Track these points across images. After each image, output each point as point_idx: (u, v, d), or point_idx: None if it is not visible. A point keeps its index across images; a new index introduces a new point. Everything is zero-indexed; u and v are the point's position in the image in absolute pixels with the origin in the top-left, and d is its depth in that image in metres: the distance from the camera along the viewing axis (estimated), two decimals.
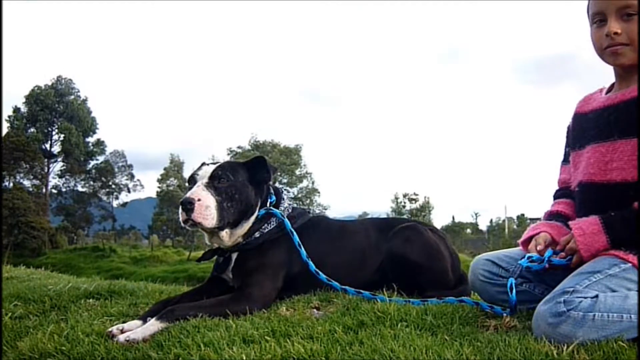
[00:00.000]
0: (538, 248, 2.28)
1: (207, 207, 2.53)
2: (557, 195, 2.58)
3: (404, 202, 50.70)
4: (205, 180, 2.61)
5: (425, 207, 50.57)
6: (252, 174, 2.76)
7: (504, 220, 57.67)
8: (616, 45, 2.13)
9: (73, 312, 2.72)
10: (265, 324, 2.19)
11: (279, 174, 49.53)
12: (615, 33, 2.11)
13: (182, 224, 2.57)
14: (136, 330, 2.23)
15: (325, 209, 53.54)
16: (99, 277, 4.74)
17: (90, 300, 3.02)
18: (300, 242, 2.70)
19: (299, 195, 51.54)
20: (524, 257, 2.24)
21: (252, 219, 2.75)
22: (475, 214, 65.68)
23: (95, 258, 40.32)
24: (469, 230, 62.98)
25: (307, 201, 51.68)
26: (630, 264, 2.01)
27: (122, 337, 2.16)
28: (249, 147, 50.35)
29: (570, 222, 2.18)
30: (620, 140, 2.14)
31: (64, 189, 56.54)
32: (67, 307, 2.87)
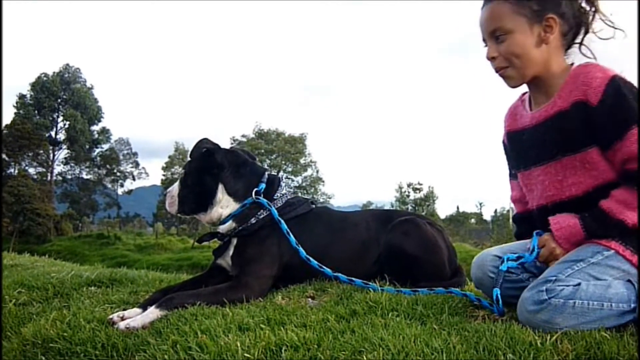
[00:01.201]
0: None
1: (172, 197, 2.98)
2: (519, 232, 2.60)
3: (408, 192, 50.62)
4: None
5: (429, 197, 50.49)
6: (202, 160, 2.91)
7: (508, 211, 57.34)
8: (500, 69, 2.20)
9: (75, 300, 2.78)
10: (261, 312, 2.24)
11: (283, 162, 49.55)
12: (492, 58, 2.19)
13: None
14: (136, 317, 2.28)
15: (330, 198, 53.54)
16: (103, 265, 4.79)
17: (92, 288, 3.08)
18: (288, 230, 2.75)
19: (304, 184, 51.49)
20: (503, 262, 2.28)
21: (219, 202, 2.88)
22: (480, 204, 65.53)
23: (100, 245, 40.44)
24: (473, 220, 62.87)
25: (312, 190, 51.63)
26: (613, 251, 2.06)
27: (122, 324, 2.21)
28: (253, 136, 50.29)
29: (549, 218, 2.22)
30: (565, 157, 2.18)
31: (69, 176, 56.71)
32: (69, 294, 2.93)
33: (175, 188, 2.99)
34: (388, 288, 2.55)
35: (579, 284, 1.96)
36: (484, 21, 2.22)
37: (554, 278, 1.99)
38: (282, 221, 2.77)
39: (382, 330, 1.93)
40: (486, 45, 2.25)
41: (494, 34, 2.18)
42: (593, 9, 2.25)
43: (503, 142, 2.57)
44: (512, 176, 2.58)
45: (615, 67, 2.14)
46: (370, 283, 2.62)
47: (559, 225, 2.15)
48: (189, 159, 2.98)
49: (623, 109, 2.02)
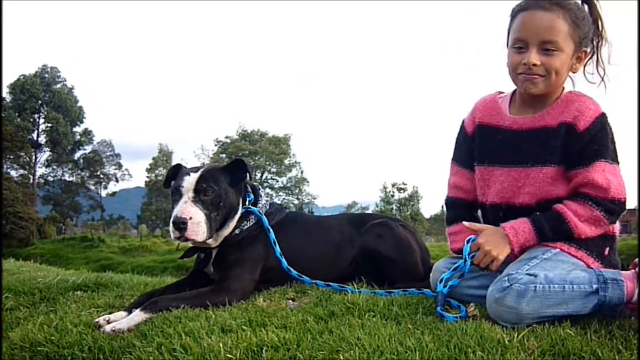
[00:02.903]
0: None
1: (198, 224, 2.59)
2: (454, 214, 2.73)
3: (393, 192, 50.83)
4: (191, 194, 2.65)
5: (414, 197, 50.69)
6: (232, 177, 2.81)
7: None
8: (533, 74, 2.29)
9: (62, 304, 2.81)
10: (243, 314, 2.31)
11: (267, 163, 49.50)
12: (534, 64, 2.27)
13: (174, 240, 2.66)
14: (122, 320, 2.33)
15: (314, 199, 53.64)
16: (87, 268, 4.81)
17: (78, 292, 3.11)
18: (275, 240, 2.82)
19: (288, 185, 51.51)
20: (441, 281, 2.41)
21: (236, 218, 2.83)
22: None
23: (84, 248, 40.00)
24: None
25: (296, 190, 51.67)
26: (558, 249, 2.26)
27: (108, 327, 2.26)
28: (237, 137, 50.21)
29: (502, 224, 2.37)
30: (532, 167, 2.37)
31: (51, 179, 56.23)
32: (56, 299, 2.96)
33: (199, 213, 2.62)
34: (364, 290, 2.63)
35: (536, 275, 2.10)
36: (540, 28, 2.27)
37: (514, 272, 2.13)
38: (271, 231, 2.84)
39: (358, 330, 2.01)
40: (521, 47, 2.32)
41: (544, 44, 2.27)
42: (594, 51, 2.44)
43: (463, 126, 2.69)
44: (458, 162, 2.71)
45: None
46: (346, 286, 2.71)
47: (514, 231, 2.31)
48: (222, 176, 2.77)
49: (600, 142, 2.25)
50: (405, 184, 50.66)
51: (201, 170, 2.75)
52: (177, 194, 2.69)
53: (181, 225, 2.55)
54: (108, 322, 2.35)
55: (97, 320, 2.36)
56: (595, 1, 2.39)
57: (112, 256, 36.23)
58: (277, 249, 2.82)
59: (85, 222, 60.06)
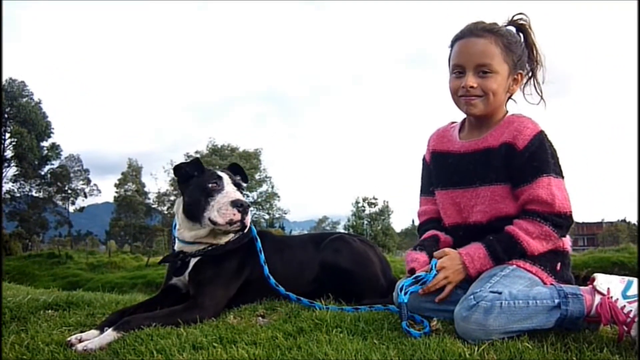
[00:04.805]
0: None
1: (250, 212, 2.85)
2: (424, 229, 2.82)
3: (364, 207, 51.01)
4: (235, 187, 2.93)
5: (385, 211, 50.94)
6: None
7: None
8: (470, 96, 2.45)
9: (33, 323, 2.81)
10: (214, 332, 2.35)
11: (237, 177, 49.32)
12: (472, 87, 2.43)
13: (227, 225, 2.77)
14: (93, 339, 2.35)
15: (285, 214, 53.59)
16: (54, 285, 4.79)
17: (49, 311, 3.11)
18: (261, 248, 2.98)
19: (259, 200, 51.34)
20: (401, 291, 2.42)
21: None
22: None
23: (51, 265, 39.21)
24: None
25: (267, 205, 51.53)
26: (514, 266, 2.38)
27: (80, 346, 2.28)
28: (207, 152, 49.95)
29: (459, 250, 2.47)
30: (481, 187, 2.50)
31: (17, 194, 55.11)
32: (26, 318, 2.95)
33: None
34: (332, 306, 2.71)
35: (501, 293, 2.20)
36: (474, 53, 2.45)
37: (478, 290, 2.22)
38: (259, 239, 3.00)
39: (326, 346, 2.08)
40: (460, 72, 2.48)
41: (480, 67, 2.44)
42: (530, 74, 2.62)
43: (424, 159, 2.86)
44: (424, 192, 2.88)
45: None
46: (315, 302, 2.79)
47: (470, 258, 2.43)
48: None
49: (540, 159, 2.38)
50: (376, 199, 50.91)
51: (230, 169, 3.11)
52: (220, 182, 2.88)
53: (247, 209, 2.78)
54: (80, 340, 2.37)
55: (69, 339, 2.38)
56: (529, 29, 2.57)
57: (80, 273, 35.63)
58: (262, 256, 2.95)
59: (52, 238, 59.01)
